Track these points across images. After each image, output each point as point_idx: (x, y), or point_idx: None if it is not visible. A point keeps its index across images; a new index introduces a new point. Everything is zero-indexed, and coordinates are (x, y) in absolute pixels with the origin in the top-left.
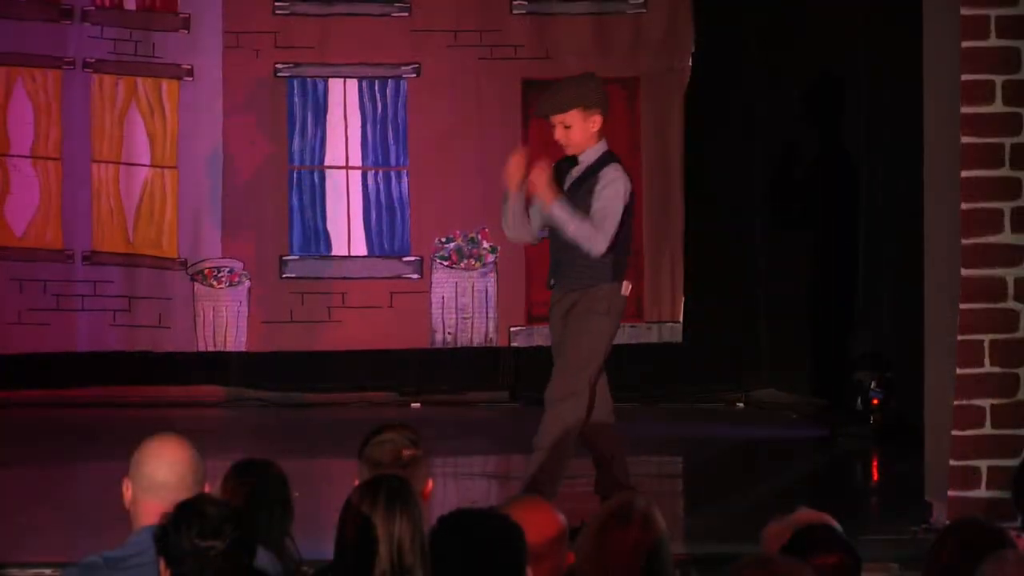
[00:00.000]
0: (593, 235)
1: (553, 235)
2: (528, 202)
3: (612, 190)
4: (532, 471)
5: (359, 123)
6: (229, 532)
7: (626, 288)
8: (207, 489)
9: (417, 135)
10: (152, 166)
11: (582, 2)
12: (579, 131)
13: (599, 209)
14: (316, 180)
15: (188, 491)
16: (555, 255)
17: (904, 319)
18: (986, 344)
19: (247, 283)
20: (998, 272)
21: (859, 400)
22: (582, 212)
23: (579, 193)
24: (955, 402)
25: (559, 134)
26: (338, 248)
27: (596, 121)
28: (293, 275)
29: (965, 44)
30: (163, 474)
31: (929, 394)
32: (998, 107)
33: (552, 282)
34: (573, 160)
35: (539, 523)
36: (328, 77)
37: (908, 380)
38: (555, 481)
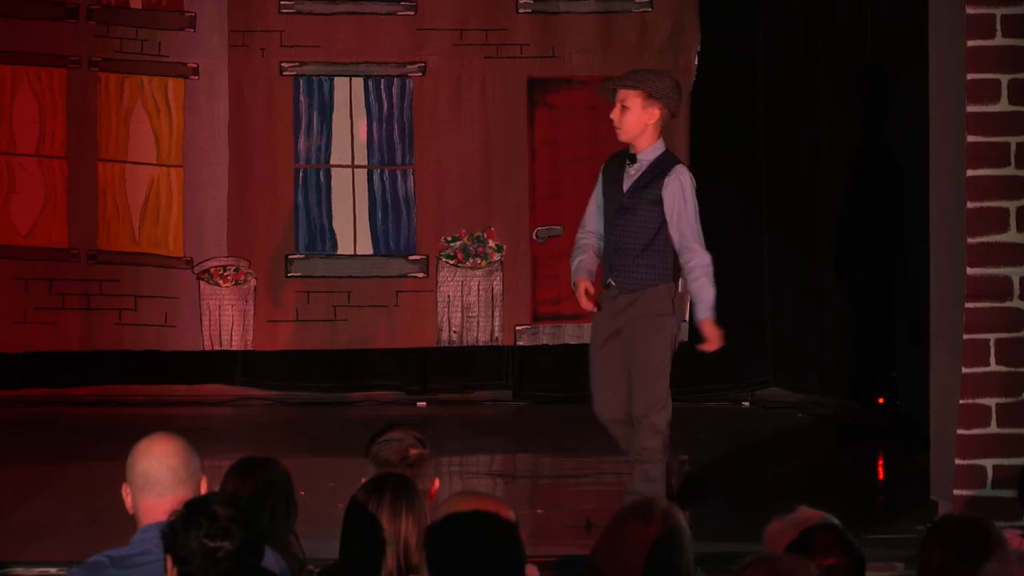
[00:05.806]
0: (702, 255)
1: (608, 233)
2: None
3: (689, 193)
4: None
5: (365, 122)
6: (238, 534)
7: (682, 286)
8: (204, 483)
9: (423, 134)
10: (158, 165)
11: (588, 1)
12: (635, 117)
13: (689, 218)
14: (322, 179)
15: (183, 484)
16: (611, 255)
17: (910, 318)
18: (992, 343)
19: (253, 282)
20: (1004, 271)
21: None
22: (646, 210)
23: (644, 194)
24: (961, 401)
25: (614, 113)
26: (344, 247)
27: (654, 114)
28: (299, 274)
29: (971, 43)
30: (155, 470)
31: (935, 393)
32: (1004, 106)
33: (609, 281)
34: (632, 157)
35: None
36: (334, 76)
37: (914, 379)
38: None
